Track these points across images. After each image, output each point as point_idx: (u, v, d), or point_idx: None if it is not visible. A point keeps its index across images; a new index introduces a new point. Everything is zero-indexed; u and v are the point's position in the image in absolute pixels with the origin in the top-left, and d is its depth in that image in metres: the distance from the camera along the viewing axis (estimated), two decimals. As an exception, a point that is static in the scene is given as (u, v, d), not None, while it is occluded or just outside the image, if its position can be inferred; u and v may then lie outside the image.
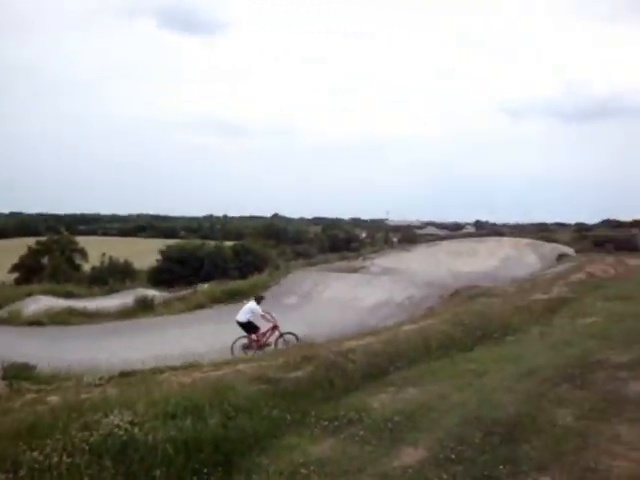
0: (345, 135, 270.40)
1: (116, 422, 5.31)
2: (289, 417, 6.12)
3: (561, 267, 22.74)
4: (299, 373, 7.22)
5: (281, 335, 14.23)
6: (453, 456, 4.74)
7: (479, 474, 4.40)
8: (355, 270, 24.54)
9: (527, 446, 4.74)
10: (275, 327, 14.22)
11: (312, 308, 19.38)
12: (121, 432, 5.17)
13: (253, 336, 13.96)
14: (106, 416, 5.45)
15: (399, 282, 20.73)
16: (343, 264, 27.50)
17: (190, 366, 9.32)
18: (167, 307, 22.14)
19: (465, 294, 16.94)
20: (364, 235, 78.34)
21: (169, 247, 45.68)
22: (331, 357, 7.62)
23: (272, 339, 14.20)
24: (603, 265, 21.72)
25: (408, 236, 68.11)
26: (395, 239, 67.79)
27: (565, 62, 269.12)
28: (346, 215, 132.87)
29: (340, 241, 65.06)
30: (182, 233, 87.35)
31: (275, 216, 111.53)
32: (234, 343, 13.80)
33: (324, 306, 19.25)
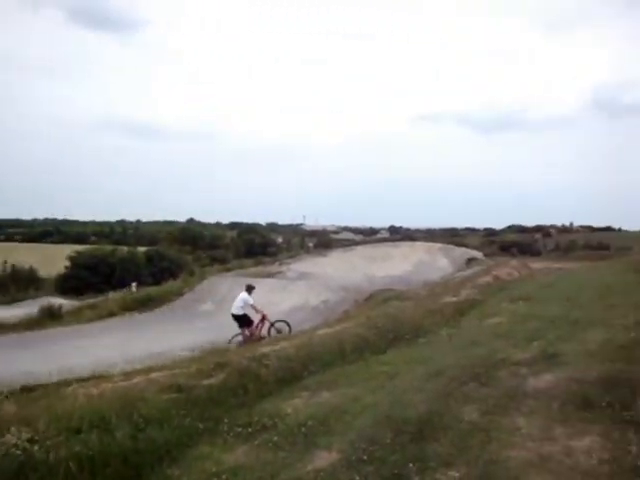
0: (263, 140, 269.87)
1: (13, 441, 4.99)
2: (201, 426, 6.02)
3: (470, 270, 23.80)
4: (212, 380, 7.12)
5: (272, 324, 14.40)
6: (365, 457, 4.81)
7: (389, 473, 4.48)
8: (271, 275, 24.54)
9: (435, 443, 4.88)
10: (264, 318, 14.22)
11: (227, 314, 19.10)
12: (18, 452, 4.87)
13: (247, 331, 13.91)
14: (2, 435, 5.12)
15: (315, 287, 20.92)
16: (259, 269, 27.45)
17: (99, 377, 8.95)
18: (76, 316, 21.24)
19: (379, 298, 17.33)
20: (280, 240, 78.48)
21: (78, 253, 43.87)
22: (244, 363, 7.57)
23: (264, 331, 14.25)
24: (508, 268, 22.90)
25: (324, 241, 69.09)
26: (311, 244, 68.54)
27: (480, 76, 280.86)
28: (263, 220, 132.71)
29: (256, 246, 64.80)
30: (92, 238, 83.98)
31: (190, 221, 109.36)
32: (230, 341, 13.65)
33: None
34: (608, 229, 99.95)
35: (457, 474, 4.30)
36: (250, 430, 5.91)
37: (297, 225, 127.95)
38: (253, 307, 13.94)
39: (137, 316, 20.41)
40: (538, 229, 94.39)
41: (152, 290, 24.72)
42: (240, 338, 13.88)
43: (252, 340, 13.57)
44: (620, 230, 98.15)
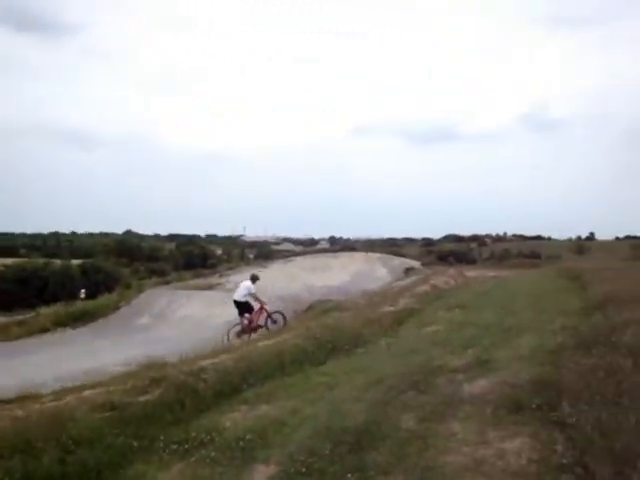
0: (201, 149, 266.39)
1: None
2: (136, 444, 5.83)
3: (408, 280, 24.20)
4: (148, 396, 6.92)
5: (269, 315, 15.00)
6: (303, 469, 4.78)
7: (328, 484, 4.49)
8: (211, 287, 24.22)
9: (374, 452, 4.91)
10: (262, 308, 14.86)
11: (165, 328, 18.80)
12: None
13: (245, 319, 14.57)
14: None
15: (255, 298, 20.74)
16: (198, 281, 27.03)
17: (27, 397, 8.53)
18: (3, 333, 20.15)
19: (319, 308, 17.33)
20: (220, 252, 77.46)
21: (7, 267, 41.93)
22: (181, 377, 7.39)
23: (262, 321, 14.87)
24: (445, 277, 23.46)
25: (264, 252, 68.77)
26: (251, 255, 68.07)
27: (418, 88, 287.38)
28: (202, 231, 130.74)
29: (196, 258, 63.64)
30: (23, 251, 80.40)
31: (128, 232, 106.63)
32: (229, 330, 14.32)
33: (178, 325, 18.79)
34: (539, 238, 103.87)
35: (395, 482, 4.34)
36: (187, 447, 5.76)
37: (237, 236, 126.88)
38: (255, 296, 14.61)
39: (70, 332, 19.62)
40: (474, 238, 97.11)
41: (87, 304, 23.88)
42: (238, 328, 14.50)
43: (250, 328, 14.46)
44: (550, 239, 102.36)
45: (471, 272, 31.96)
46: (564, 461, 4.05)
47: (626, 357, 5.35)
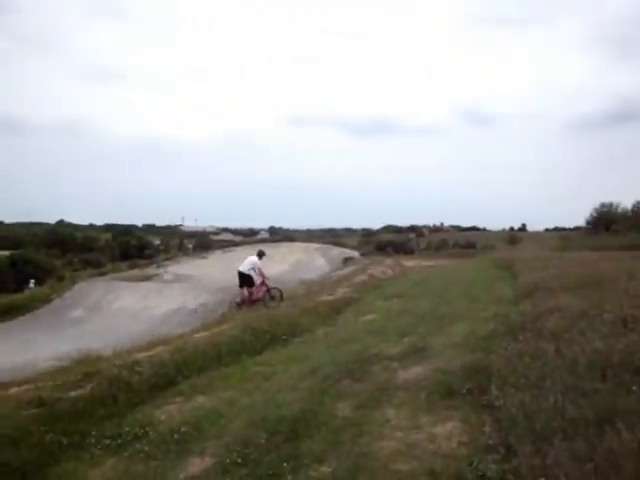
0: (139, 137, 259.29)
1: None
2: (66, 441, 5.64)
3: (347, 270, 24.49)
4: (79, 391, 6.71)
5: (268, 290, 15.47)
6: (239, 460, 4.76)
7: (264, 474, 4.47)
8: (148, 278, 23.81)
9: (309, 441, 4.94)
10: (263, 282, 15.39)
11: (100, 320, 18.33)
12: None
13: (246, 291, 15.03)
14: None
15: (193, 289, 20.53)
16: (135, 272, 26.54)
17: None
18: None
19: (258, 298, 17.26)
20: (158, 242, 75.79)
21: None
22: (115, 371, 7.20)
23: (261, 294, 15.30)
24: (383, 267, 23.82)
25: (203, 242, 67.71)
26: (190, 245, 66.97)
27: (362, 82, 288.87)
28: (140, 221, 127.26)
29: (133, 249, 61.97)
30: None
31: (61, 222, 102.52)
32: (232, 301, 15.41)
33: (114, 317, 18.37)
34: (474, 229, 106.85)
35: (329, 469, 4.38)
36: (120, 441, 5.63)
37: (176, 226, 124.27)
38: (259, 270, 15.18)
39: (-3, 326, 18.83)
40: (412, 229, 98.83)
41: (16, 297, 23.01)
42: (238, 299, 15.20)
43: (250, 300, 14.99)
44: (485, 230, 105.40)
45: (409, 262, 32.57)
46: (490, 442, 4.20)
47: (549, 342, 5.60)
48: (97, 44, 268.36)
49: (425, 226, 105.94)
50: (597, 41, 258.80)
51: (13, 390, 7.35)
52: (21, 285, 30.19)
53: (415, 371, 6.47)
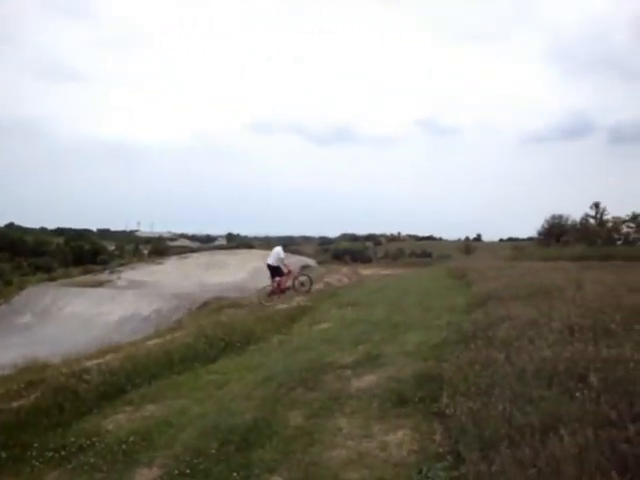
0: (96, 139, 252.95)
1: None
2: (5, 454, 5.43)
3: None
4: (22, 401, 6.49)
5: (296, 278, 17.00)
6: (188, 470, 4.68)
7: (213, 484, 4.41)
8: (100, 284, 23.28)
9: (261, 450, 4.90)
10: (289, 272, 16.63)
11: (49, 327, 17.84)
12: None
13: (276, 280, 16.06)
14: None
15: (147, 295, 20.17)
16: (87, 278, 25.92)
17: None
18: None
19: (213, 306, 17.15)
20: (113, 247, 74.21)
21: None
22: (61, 379, 6.99)
23: (289, 283, 16.59)
24: (339, 275, 23.91)
25: (159, 248, 66.61)
26: (146, 251, 65.81)
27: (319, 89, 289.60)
28: (94, 226, 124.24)
29: (86, 254, 60.45)
30: None
31: (10, 226, 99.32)
32: (261, 291, 16.25)
33: (64, 324, 17.91)
34: (430, 238, 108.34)
35: (280, 479, 4.34)
36: (64, 453, 5.46)
37: (131, 232, 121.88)
38: (282, 261, 16.21)
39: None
40: (369, 237, 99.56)
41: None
42: (269, 289, 16.17)
43: (279, 289, 16.12)
44: (441, 239, 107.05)
45: (366, 270, 32.82)
46: (440, 450, 4.25)
47: (500, 351, 5.69)
48: (55, 42, 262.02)
49: (382, 235, 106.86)
50: (552, 57, 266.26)
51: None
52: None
53: (368, 379, 6.48)
